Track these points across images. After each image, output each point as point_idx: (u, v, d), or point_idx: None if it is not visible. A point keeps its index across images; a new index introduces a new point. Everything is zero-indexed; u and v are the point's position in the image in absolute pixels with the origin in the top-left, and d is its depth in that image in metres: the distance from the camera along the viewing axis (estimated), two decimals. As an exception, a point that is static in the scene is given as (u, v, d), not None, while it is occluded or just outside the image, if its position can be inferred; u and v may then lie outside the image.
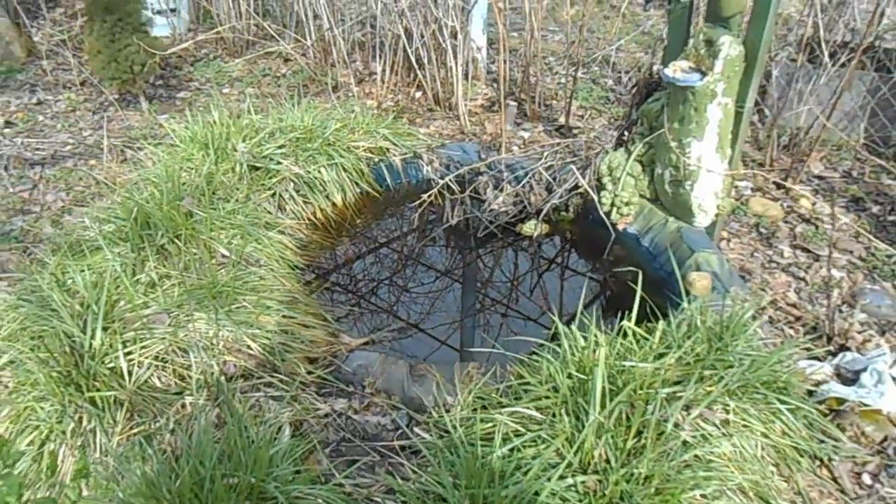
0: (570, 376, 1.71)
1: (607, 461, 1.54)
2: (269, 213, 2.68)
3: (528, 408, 1.73)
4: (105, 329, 1.94)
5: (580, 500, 1.48)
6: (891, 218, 3.00)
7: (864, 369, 2.06)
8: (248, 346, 2.00)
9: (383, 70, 4.10)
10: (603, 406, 1.61)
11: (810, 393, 2.04)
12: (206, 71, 4.66)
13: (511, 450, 1.57)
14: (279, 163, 2.77)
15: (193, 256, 2.25)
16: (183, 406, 1.90)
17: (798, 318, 2.40)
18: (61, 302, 1.96)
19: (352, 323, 2.45)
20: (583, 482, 1.51)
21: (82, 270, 2.09)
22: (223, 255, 2.25)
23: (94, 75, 3.95)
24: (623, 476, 1.50)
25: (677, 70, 2.28)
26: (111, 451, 1.77)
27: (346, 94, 4.13)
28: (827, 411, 1.96)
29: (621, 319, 1.96)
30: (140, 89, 3.92)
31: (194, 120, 3.01)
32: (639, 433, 1.61)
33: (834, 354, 2.21)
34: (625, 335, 1.88)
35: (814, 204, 3.08)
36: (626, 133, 2.87)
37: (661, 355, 1.79)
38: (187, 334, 1.97)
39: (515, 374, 1.85)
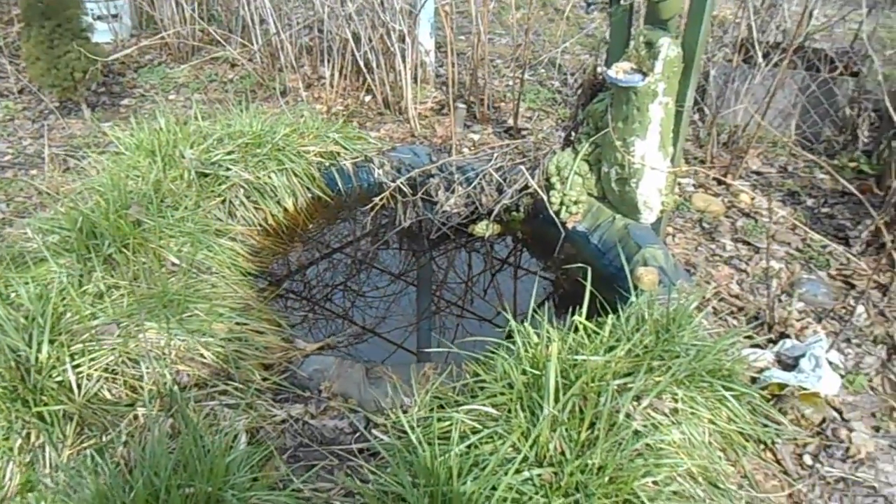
0: (524, 372, 1.75)
1: (562, 453, 1.58)
2: (219, 219, 2.65)
3: (483, 405, 1.76)
4: (52, 342, 1.88)
5: (536, 493, 1.52)
6: (824, 210, 3.14)
7: (803, 355, 2.16)
8: (202, 355, 1.97)
9: (332, 74, 4.09)
10: (557, 400, 1.65)
11: (753, 380, 2.12)
12: (150, 77, 4.56)
13: (469, 447, 1.60)
14: (228, 169, 2.74)
15: (142, 265, 2.21)
16: (135, 417, 1.87)
17: (741, 309, 2.50)
18: (5, 316, 1.91)
19: (307, 328, 2.45)
20: (539, 475, 1.55)
21: (26, 283, 2.03)
22: (173, 264, 2.22)
23: (32, 83, 3.83)
24: (577, 467, 1.54)
25: (620, 71, 2.35)
26: (61, 466, 1.74)
27: (295, 99, 4.11)
28: (769, 396, 2.05)
29: (573, 315, 2.01)
30: (81, 97, 3.82)
31: (140, 127, 2.95)
32: (591, 425, 1.65)
33: (774, 342, 2.31)
34: (576, 330, 1.93)
35: (753, 199, 3.20)
36: (572, 133, 2.94)
37: (611, 348, 1.84)
38: (138, 345, 1.94)
39: (471, 373, 1.88)
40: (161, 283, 2.10)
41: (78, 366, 1.89)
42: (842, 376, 2.18)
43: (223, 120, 3.10)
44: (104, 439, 1.81)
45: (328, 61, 4.12)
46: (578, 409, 1.67)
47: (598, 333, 1.91)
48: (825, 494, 1.85)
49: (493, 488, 1.47)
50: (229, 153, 2.82)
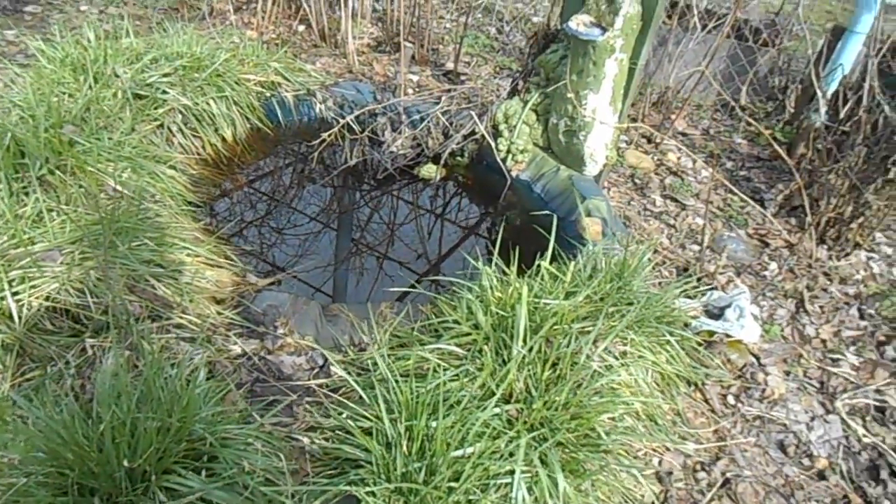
0: (491, 314, 1.81)
1: (528, 391, 1.67)
2: (156, 145, 2.51)
3: (449, 344, 1.81)
4: (-14, 268, 1.76)
5: (505, 427, 1.60)
6: (742, 173, 3.37)
7: (728, 306, 2.35)
8: (153, 286, 1.90)
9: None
10: (524, 341, 1.72)
11: (685, 326, 2.30)
12: (56, -17, 4.15)
13: (436, 385, 1.65)
14: (165, 92, 2.57)
15: (80, 190, 2.07)
16: (83, 350, 1.78)
17: (671, 261, 2.67)
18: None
19: (255, 263, 2.40)
20: (507, 410, 1.63)
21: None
22: (114, 189, 2.08)
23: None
24: (544, 404, 1.63)
25: (580, 24, 2.38)
26: (2, 396, 1.64)
27: (223, 23, 3.88)
28: (700, 342, 2.23)
29: (520, 260, 2.07)
30: (-21, -2, 3.44)
31: (63, 38, 2.70)
32: (553, 365, 1.74)
33: (702, 293, 2.50)
34: (537, 274, 2.01)
35: (679, 158, 3.38)
36: (520, 82, 2.96)
37: (569, 293, 1.94)
38: (83, 273, 1.83)
39: (435, 313, 1.92)
40: (106, 210, 1.98)
41: (17, 293, 1.78)
42: (760, 326, 2.40)
43: (157, 39, 2.89)
44: (49, 371, 1.73)
45: (260, -16, 3.91)
46: (542, 351, 1.76)
47: (558, 279, 1.99)
48: (745, 430, 2.06)
49: (470, 424, 1.53)
50: (166, 75, 2.64)
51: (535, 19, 4.76)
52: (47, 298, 1.80)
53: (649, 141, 3.48)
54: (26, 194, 1.99)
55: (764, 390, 2.21)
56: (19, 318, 1.72)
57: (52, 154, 2.09)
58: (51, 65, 2.54)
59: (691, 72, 3.28)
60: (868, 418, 2.11)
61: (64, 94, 2.41)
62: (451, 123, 2.96)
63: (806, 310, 2.55)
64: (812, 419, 2.15)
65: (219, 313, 1.98)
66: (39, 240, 1.85)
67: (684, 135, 3.63)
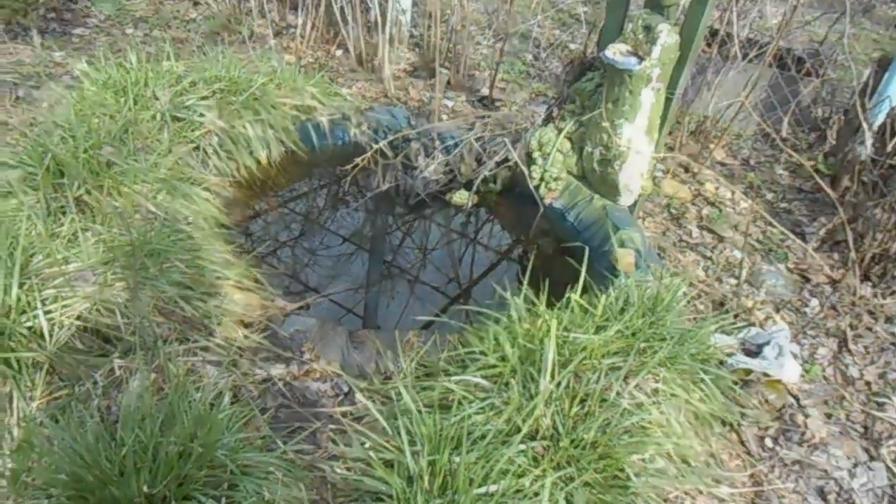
0: (518, 346, 1.77)
1: (555, 428, 1.62)
2: (191, 167, 2.54)
3: (475, 376, 1.78)
4: (21, 285, 1.79)
5: (531, 465, 1.55)
6: (782, 205, 3.28)
7: (767, 343, 2.27)
8: (182, 308, 1.91)
9: (303, 23, 3.95)
10: (552, 376, 1.68)
11: (720, 363, 2.23)
12: (105, 6, 4.28)
13: (462, 417, 1.62)
14: (202, 115, 2.62)
15: (115, 210, 2.10)
16: (111, 370, 1.80)
17: (707, 294, 2.60)
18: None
19: (285, 287, 2.40)
20: (532, 447, 1.58)
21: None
22: (149, 211, 2.11)
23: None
24: (571, 443, 1.58)
25: (616, 53, 2.36)
26: (29, 417, 1.65)
27: (262, 47, 3.95)
28: (737, 381, 2.15)
29: (550, 291, 2.03)
30: (32, 21, 3.56)
31: (107, 61, 2.77)
32: (582, 401, 1.70)
33: (739, 329, 2.42)
34: (568, 306, 1.97)
35: (717, 188, 3.31)
36: (555, 110, 2.95)
37: (600, 327, 1.89)
38: (115, 294, 1.85)
39: (462, 343, 1.89)
40: (139, 231, 2.00)
41: (49, 312, 1.80)
42: (800, 365, 2.32)
43: (197, 62, 2.95)
44: (78, 391, 1.74)
45: (301, 9, 3.97)
46: (570, 386, 1.71)
47: (589, 312, 1.95)
48: (783, 475, 1.98)
49: (495, 461, 1.50)
50: (203, 98, 2.69)
51: (571, 46, 4.75)
52: (78, 318, 1.82)
53: (687, 171, 3.42)
54: (63, 213, 2.03)
55: (804, 433, 2.12)
56: (50, 336, 1.74)
57: (89, 174, 2.13)
58: (93, 87, 2.61)
59: (731, 102, 3.23)
60: (915, 467, 2.02)
61: (104, 115, 2.47)
62: (484, 150, 2.95)
63: (849, 349, 2.45)
64: (855, 465, 2.05)
65: (246, 337, 1.98)
66: (73, 259, 1.88)
67: (723, 164, 3.56)
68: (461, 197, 2.91)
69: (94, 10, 4.22)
